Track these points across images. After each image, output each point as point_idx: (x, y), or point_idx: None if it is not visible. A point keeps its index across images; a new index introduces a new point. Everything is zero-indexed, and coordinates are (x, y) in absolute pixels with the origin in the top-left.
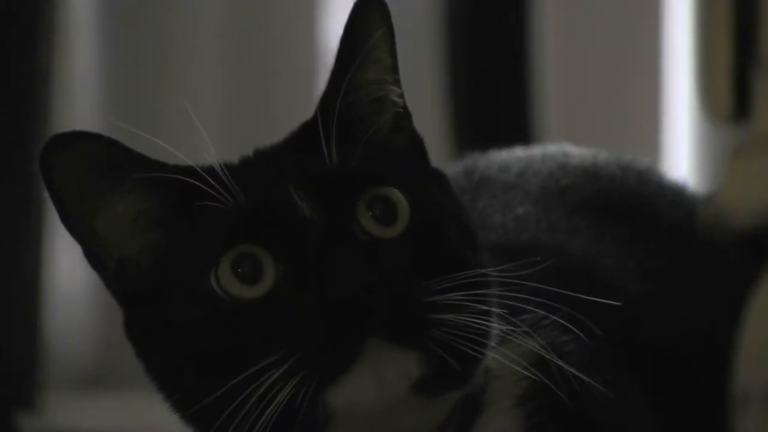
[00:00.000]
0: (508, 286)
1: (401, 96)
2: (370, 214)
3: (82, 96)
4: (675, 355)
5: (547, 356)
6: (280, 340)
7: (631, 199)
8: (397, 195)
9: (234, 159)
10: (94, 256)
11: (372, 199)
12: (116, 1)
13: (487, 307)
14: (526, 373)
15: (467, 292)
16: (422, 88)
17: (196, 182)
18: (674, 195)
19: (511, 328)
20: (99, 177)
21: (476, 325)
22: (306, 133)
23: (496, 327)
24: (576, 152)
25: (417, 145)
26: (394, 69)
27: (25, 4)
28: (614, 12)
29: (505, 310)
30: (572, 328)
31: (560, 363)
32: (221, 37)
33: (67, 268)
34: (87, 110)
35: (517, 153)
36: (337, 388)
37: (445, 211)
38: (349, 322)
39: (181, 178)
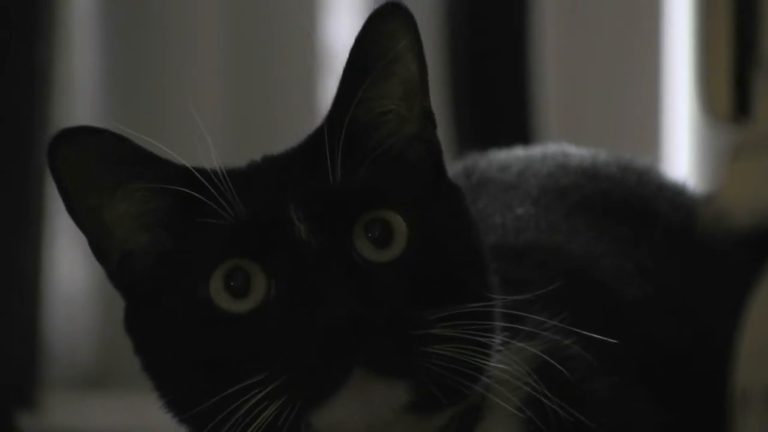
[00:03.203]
0: (513, 315)
1: (428, 105)
2: (369, 235)
3: (81, 96)
4: (675, 356)
5: (536, 386)
6: (266, 360)
7: (631, 200)
8: (395, 218)
9: (233, 159)
10: (99, 248)
11: (370, 221)
12: (116, 0)
13: (484, 340)
14: (526, 379)
15: (465, 324)
16: None
17: (199, 195)
18: (674, 195)
19: (507, 338)
20: (106, 172)
21: (468, 361)
22: (314, 142)
23: (491, 362)
24: (576, 152)
25: (435, 156)
26: (422, 78)
27: (25, 3)
28: (614, 12)
29: (505, 323)
30: (575, 330)
31: (543, 388)
32: (221, 37)
33: (67, 268)
34: (87, 110)
35: (517, 153)
36: (321, 411)
37: (449, 234)
38: (336, 350)
39: (184, 190)
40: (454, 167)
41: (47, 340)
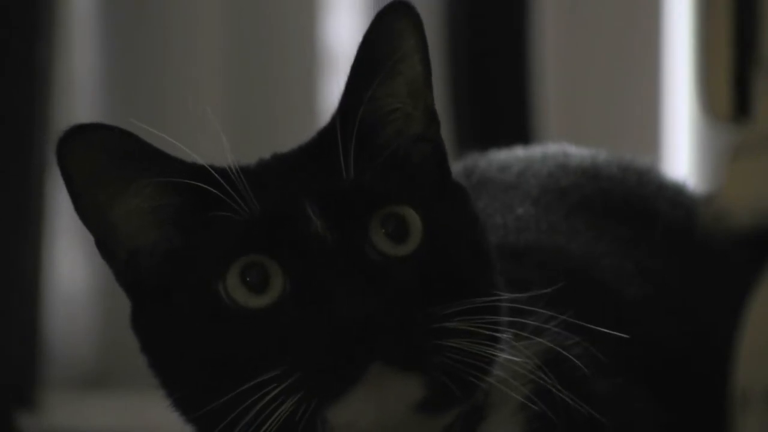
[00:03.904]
0: (518, 310)
1: (432, 104)
2: (383, 231)
3: (81, 96)
4: (675, 356)
5: (547, 379)
6: (282, 356)
7: (631, 200)
8: (410, 213)
9: (235, 158)
10: (105, 245)
11: (386, 216)
12: (116, 0)
13: (494, 334)
14: (537, 373)
15: (476, 318)
16: None
17: (213, 190)
18: (674, 195)
19: (516, 331)
20: (116, 169)
21: (482, 353)
22: (324, 140)
23: (502, 354)
24: (576, 152)
25: (440, 156)
26: (426, 78)
27: (25, 3)
28: (614, 12)
29: (512, 318)
30: (581, 324)
31: (555, 381)
32: (221, 37)
33: (67, 268)
34: (87, 110)
35: (517, 153)
36: (337, 407)
37: (458, 231)
38: (353, 346)
39: (199, 184)
40: (454, 167)
41: (47, 340)
